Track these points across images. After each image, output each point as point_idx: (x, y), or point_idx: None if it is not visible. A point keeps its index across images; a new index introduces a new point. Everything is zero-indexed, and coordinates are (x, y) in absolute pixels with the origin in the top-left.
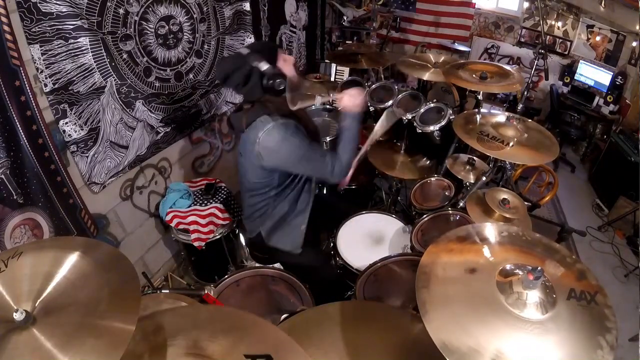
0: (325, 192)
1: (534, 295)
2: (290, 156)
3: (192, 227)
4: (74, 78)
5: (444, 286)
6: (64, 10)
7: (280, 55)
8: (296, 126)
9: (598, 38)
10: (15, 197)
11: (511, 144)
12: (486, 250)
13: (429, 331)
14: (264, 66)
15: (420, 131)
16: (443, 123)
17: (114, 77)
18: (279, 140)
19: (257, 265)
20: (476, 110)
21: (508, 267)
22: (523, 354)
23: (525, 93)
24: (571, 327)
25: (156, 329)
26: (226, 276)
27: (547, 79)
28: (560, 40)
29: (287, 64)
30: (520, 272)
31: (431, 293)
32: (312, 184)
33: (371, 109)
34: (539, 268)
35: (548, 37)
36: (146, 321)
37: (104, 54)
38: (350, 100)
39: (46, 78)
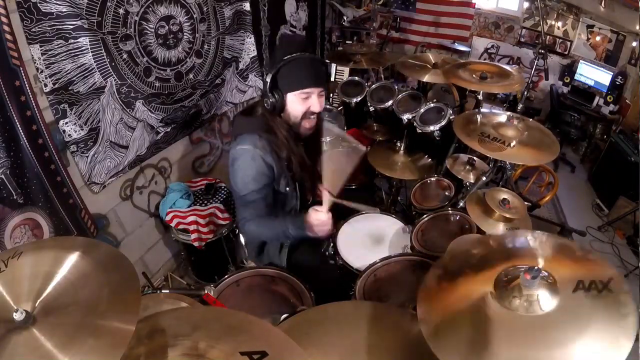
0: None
1: (536, 294)
2: (233, 181)
3: (192, 227)
4: (74, 78)
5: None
6: (64, 10)
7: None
8: (262, 157)
9: (598, 38)
10: (15, 197)
11: (512, 144)
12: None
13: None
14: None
15: (420, 131)
16: (443, 123)
17: (114, 77)
18: (237, 164)
19: (257, 265)
20: (476, 110)
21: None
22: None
23: (525, 93)
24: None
25: (152, 331)
26: (226, 276)
27: (547, 79)
28: (560, 40)
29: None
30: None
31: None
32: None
33: (371, 109)
34: (535, 267)
35: (548, 37)
36: (142, 323)
37: (104, 54)
38: (317, 224)
39: (46, 78)
